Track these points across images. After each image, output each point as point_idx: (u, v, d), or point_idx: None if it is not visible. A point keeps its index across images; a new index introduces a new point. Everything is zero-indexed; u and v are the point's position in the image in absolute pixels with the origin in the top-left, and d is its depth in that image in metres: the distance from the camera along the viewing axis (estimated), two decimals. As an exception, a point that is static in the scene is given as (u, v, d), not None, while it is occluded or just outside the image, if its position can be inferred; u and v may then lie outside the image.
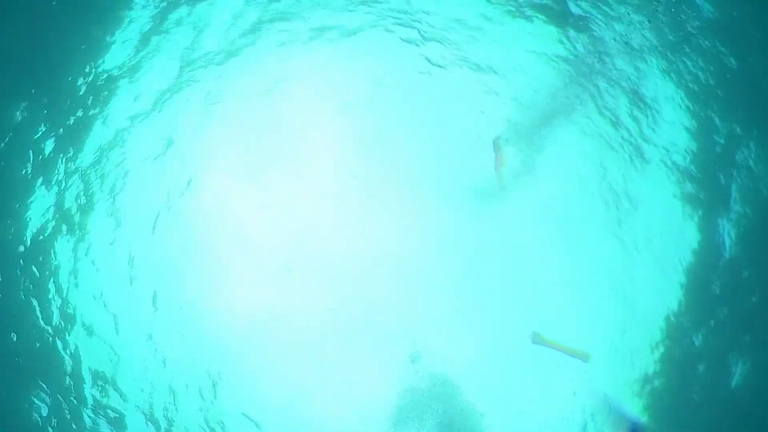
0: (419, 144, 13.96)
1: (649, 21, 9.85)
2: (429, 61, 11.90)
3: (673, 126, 10.62)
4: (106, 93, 11.12)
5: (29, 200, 11.09)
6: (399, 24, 11.49)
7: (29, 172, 10.89)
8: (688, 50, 9.78)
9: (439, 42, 11.65)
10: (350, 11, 11.30)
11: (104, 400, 12.73)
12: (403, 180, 14.27)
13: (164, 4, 10.74)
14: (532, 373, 13.85)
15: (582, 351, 11.76)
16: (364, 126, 13.63)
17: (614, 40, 10.48)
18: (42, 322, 11.93)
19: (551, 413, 13.65)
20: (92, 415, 12.67)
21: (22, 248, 11.34)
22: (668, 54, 10.02)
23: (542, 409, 13.78)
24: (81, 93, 10.83)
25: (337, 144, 13.68)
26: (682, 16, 9.49)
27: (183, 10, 10.96)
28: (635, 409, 11.97)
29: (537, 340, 11.76)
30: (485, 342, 14.29)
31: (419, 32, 11.51)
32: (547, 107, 11.78)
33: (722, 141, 10.07)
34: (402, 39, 11.77)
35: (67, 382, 12.31)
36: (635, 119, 11.11)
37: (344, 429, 14.01)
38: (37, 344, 11.99)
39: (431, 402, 13.03)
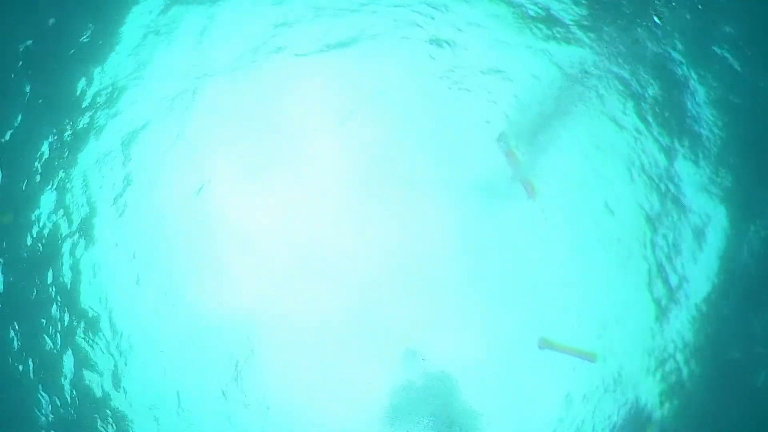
0: (420, 144, 13.88)
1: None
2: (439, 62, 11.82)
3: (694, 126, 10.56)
4: (106, 95, 11.01)
5: (31, 202, 10.98)
6: (409, 24, 11.40)
7: (30, 173, 10.76)
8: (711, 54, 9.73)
9: (447, 43, 11.56)
10: (357, 11, 11.19)
11: (105, 402, 12.64)
12: (404, 180, 14.21)
13: (166, 5, 10.62)
14: (532, 373, 13.90)
15: (589, 352, 11.78)
16: (365, 127, 13.56)
17: (629, 42, 10.41)
18: (42, 323, 11.81)
19: (551, 413, 13.73)
20: (93, 417, 12.59)
21: (22, 251, 11.24)
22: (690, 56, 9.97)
23: (542, 410, 13.85)
24: (82, 95, 10.72)
25: (339, 146, 13.60)
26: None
27: (185, 12, 10.84)
28: (659, 412, 11.97)
29: (544, 344, 11.77)
30: (486, 342, 14.33)
31: (428, 33, 11.43)
32: (555, 107, 11.70)
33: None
34: (409, 38, 11.70)
35: (67, 385, 12.22)
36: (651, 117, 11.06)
37: (344, 428, 14.03)
38: (36, 346, 11.86)
39: (427, 401, 13.04)
